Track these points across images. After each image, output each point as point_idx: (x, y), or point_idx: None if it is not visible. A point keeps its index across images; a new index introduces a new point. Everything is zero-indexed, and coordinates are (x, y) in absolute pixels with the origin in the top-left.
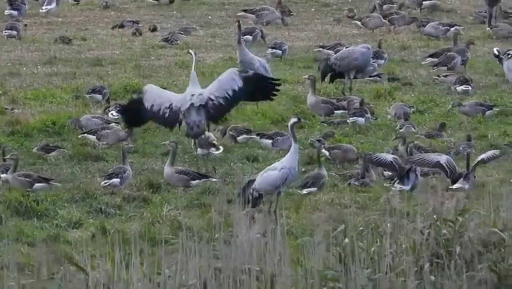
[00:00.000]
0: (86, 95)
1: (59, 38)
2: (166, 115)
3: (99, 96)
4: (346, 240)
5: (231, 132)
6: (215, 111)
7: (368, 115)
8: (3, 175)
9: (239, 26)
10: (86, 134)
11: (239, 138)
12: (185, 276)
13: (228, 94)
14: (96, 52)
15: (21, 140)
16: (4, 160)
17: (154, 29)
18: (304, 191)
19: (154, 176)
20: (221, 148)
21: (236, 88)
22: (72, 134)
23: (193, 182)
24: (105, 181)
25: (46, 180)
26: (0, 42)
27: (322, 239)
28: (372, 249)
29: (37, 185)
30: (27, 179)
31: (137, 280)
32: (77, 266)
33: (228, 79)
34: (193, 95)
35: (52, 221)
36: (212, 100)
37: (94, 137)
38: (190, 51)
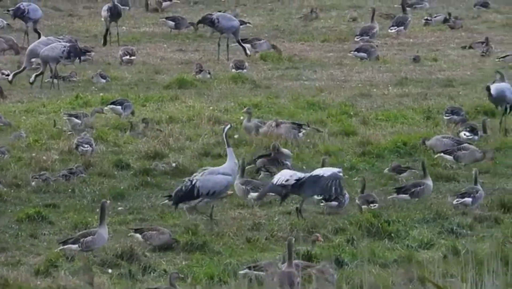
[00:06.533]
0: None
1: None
2: None
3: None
4: None
5: None
6: None
7: None
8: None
9: None
10: (442, 154)
11: None
12: None
13: None
14: (447, 73)
15: (372, 161)
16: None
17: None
18: None
19: (506, 196)
20: None
21: None
22: (423, 154)
23: None
24: (457, 200)
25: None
26: (351, 63)
27: None
28: None
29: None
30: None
31: None
32: (434, 285)
33: None
34: None
35: (403, 242)
36: None
37: (451, 157)
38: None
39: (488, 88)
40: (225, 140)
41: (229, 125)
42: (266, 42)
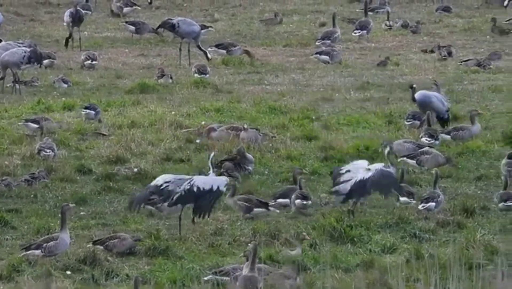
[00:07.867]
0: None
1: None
2: None
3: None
4: None
5: None
6: None
7: None
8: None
9: None
10: (405, 159)
11: None
12: None
13: None
14: (409, 77)
15: (334, 166)
16: None
17: (449, 54)
18: None
19: (469, 201)
20: None
21: None
22: (385, 159)
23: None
24: (422, 205)
25: (266, 205)
26: (313, 68)
27: None
28: None
29: (256, 210)
30: (246, 204)
31: None
32: None
33: None
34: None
35: (366, 246)
36: None
37: (414, 162)
38: None
39: (412, 89)
40: (210, 166)
41: (213, 153)
42: (240, 48)
